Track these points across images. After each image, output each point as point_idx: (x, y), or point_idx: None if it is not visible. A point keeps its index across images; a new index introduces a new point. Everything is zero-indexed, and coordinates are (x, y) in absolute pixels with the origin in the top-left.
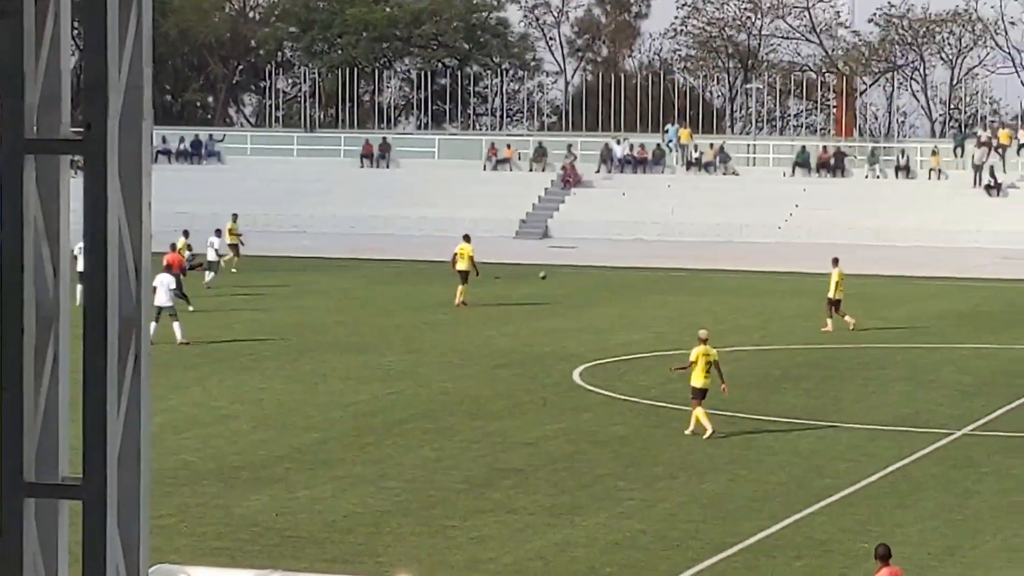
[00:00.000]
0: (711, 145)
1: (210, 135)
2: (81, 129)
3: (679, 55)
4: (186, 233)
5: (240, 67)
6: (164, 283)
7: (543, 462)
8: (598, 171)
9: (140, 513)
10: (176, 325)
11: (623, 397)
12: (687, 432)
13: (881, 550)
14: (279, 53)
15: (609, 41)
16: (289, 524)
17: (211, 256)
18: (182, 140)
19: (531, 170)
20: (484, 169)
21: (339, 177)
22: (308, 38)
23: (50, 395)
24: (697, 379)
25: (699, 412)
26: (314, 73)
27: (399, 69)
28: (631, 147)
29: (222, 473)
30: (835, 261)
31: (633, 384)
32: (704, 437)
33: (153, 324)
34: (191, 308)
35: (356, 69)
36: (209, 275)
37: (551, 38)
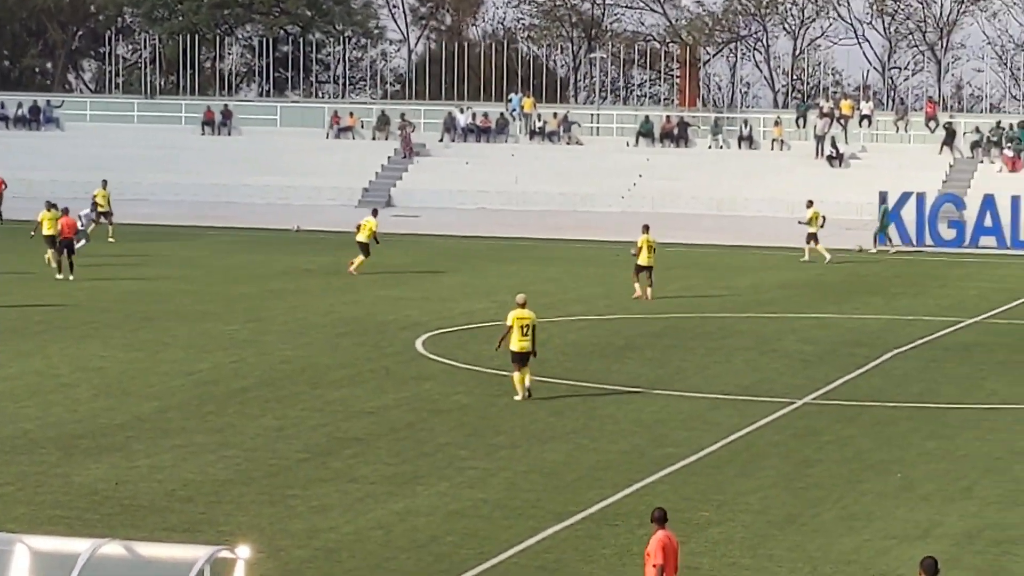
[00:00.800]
0: (555, 114)
1: (48, 101)
2: None
3: (523, 24)
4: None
5: (79, 33)
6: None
7: (384, 431)
8: (441, 140)
9: None
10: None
11: (465, 366)
12: (517, 399)
13: (657, 513)
14: (119, 19)
15: (453, 9)
16: (129, 493)
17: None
18: (20, 106)
19: (374, 138)
20: (327, 137)
21: (180, 144)
22: (148, 4)
23: None
24: (514, 343)
25: (516, 376)
26: (155, 39)
27: (241, 36)
28: (474, 116)
29: (61, 441)
30: (645, 228)
31: (475, 353)
32: (516, 398)
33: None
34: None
35: (197, 35)
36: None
37: (394, 6)
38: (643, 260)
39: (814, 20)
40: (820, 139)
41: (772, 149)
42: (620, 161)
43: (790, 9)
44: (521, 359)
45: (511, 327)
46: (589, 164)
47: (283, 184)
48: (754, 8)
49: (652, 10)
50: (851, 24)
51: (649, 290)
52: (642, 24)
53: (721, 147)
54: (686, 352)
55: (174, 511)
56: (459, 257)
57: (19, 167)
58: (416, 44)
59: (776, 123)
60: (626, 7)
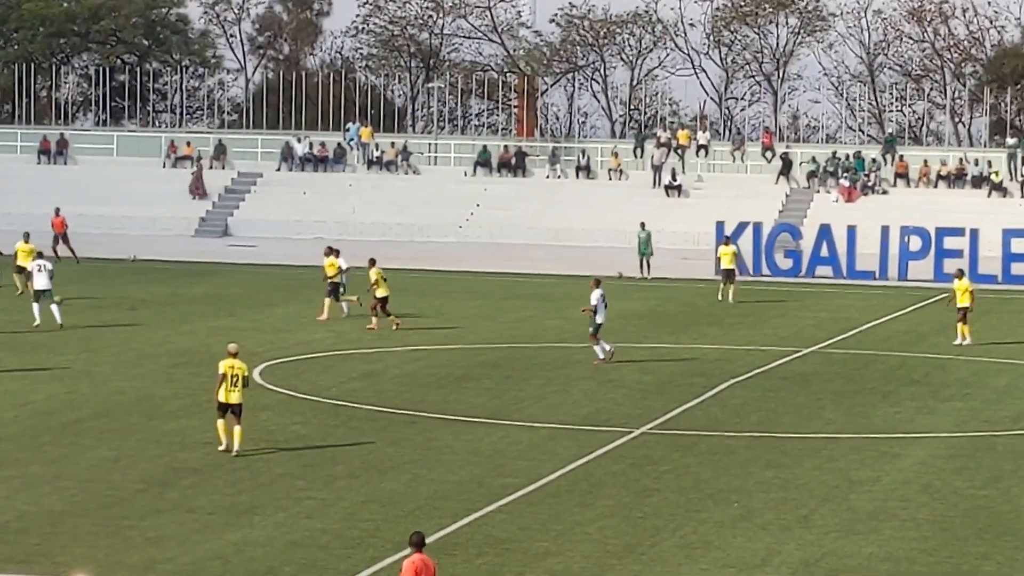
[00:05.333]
0: (392, 144)
1: None
2: None
3: (361, 53)
4: None
5: None
6: (44, 267)
7: (221, 461)
8: (279, 169)
9: None
10: (55, 308)
11: (303, 396)
12: (220, 448)
13: (415, 538)
14: None
15: (290, 39)
16: None
17: None
18: None
19: (211, 168)
20: (164, 167)
21: (16, 174)
22: None
23: None
24: (223, 393)
25: (220, 424)
26: None
27: (77, 65)
28: (312, 145)
29: None
30: (372, 262)
31: (313, 383)
32: (220, 449)
33: (35, 306)
34: None
35: (33, 64)
36: None
37: (232, 35)
38: (383, 292)
39: (651, 51)
40: (657, 169)
41: (610, 179)
42: (458, 191)
43: (627, 40)
44: (227, 410)
45: (224, 375)
46: (427, 194)
47: (119, 213)
48: (592, 39)
49: (490, 40)
50: (688, 55)
51: (395, 320)
52: (480, 54)
53: (559, 177)
54: (524, 382)
55: (8, 543)
56: (296, 287)
57: None
58: (254, 73)
59: (614, 153)
60: (464, 37)
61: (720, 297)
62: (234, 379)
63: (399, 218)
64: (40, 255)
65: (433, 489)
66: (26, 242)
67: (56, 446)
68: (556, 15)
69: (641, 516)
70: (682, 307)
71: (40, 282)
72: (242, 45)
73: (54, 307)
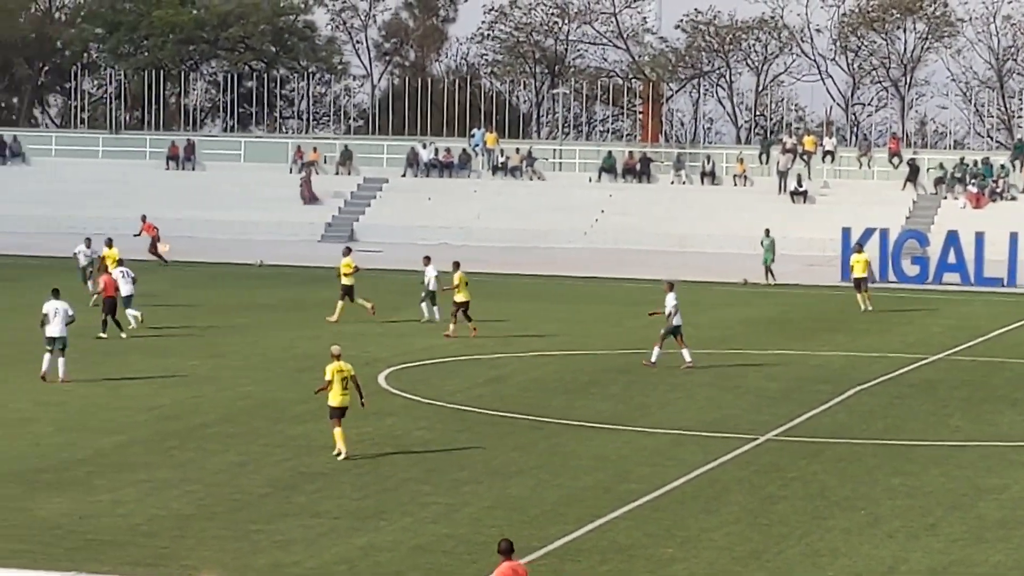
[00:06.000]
0: (517, 150)
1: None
2: None
3: (486, 60)
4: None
5: (46, 68)
6: (60, 311)
7: (347, 466)
8: (404, 175)
9: None
10: (61, 361)
11: (427, 401)
12: (335, 455)
13: (503, 545)
14: (85, 54)
15: (416, 45)
16: (91, 527)
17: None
18: None
19: (337, 173)
20: (290, 172)
21: (145, 179)
22: (114, 39)
23: None
24: (334, 398)
25: (337, 432)
26: (120, 75)
27: (205, 71)
28: (437, 151)
29: (23, 476)
30: (456, 265)
31: (437, 388)
32: (340, 458)
33: (129, 312)
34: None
35: (162, 71)
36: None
37: (358, 41)
38: (463, 296)
39: (777, 56)
40: (783, 175)
41: (735, 185)
42: (582, 197)
43: (753, 45)
44: (341, 414)
45: (330, 380)
46: (551, 200)
47: (246, 219)
48: (717, 44)
49: (615, 46)
50: (814, 60)
51: (473, 327)
52: (605, 60)
53: (684, 183)
54: (649, 388)
55: (137, 545)
56: (421, 293)
57: None
58: (380, 80)
59: (739, 159)
60: (590, 43)
61: (862, 306)
62: (344, 382)
63: (523, 224)
64: (121, 262)
65: (558, 495)
66: (110, 247)
67: (183, 450)
68: (682, 21)
69: (767, 523)
70: (808, 314)
71: (126, 288)
72: (368, 52)
73: (132, 311)
